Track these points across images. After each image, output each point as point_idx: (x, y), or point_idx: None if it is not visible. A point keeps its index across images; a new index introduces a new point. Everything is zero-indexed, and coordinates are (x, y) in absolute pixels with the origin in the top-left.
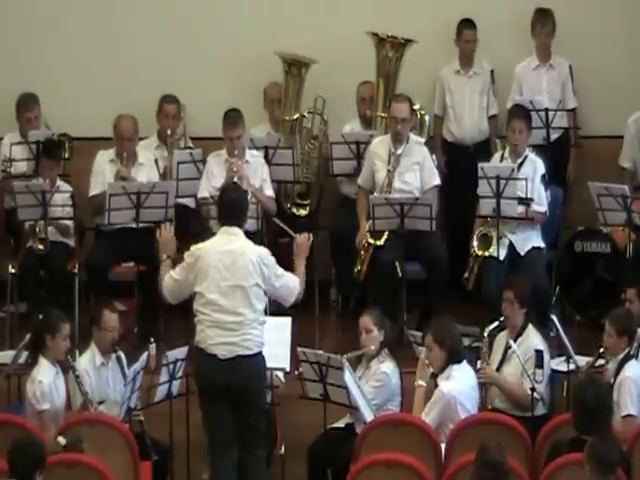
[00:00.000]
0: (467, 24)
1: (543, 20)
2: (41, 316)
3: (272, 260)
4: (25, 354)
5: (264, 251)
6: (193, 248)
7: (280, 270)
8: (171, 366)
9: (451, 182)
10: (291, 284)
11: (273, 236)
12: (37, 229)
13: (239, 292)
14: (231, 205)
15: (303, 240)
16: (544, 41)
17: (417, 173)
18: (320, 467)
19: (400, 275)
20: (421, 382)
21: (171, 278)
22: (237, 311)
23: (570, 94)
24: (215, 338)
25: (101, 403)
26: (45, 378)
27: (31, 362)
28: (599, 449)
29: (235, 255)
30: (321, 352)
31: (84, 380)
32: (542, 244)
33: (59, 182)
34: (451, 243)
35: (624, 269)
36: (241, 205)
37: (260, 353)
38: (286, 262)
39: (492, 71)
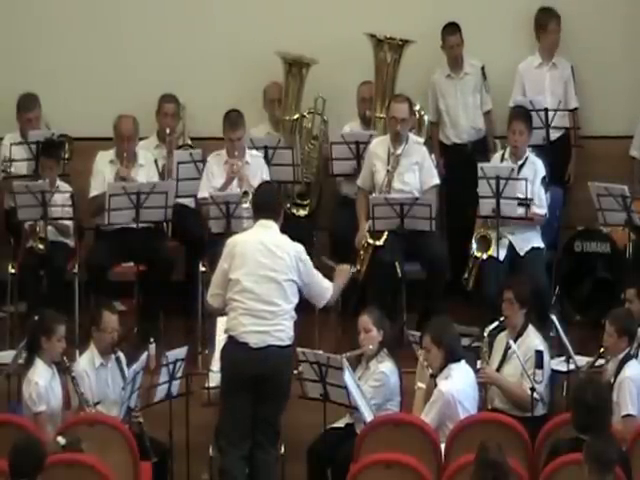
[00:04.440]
0: (449, 30)
1: (548, 19)
2: (36, 317)
3: (307, 257)
4: (24, 354)
5: (300, 247)
6: (229, 239)
7: (314, 269)
8: (171, 366)
9: (451, 183)
10: (325, 284)
11: None
12: (37, 229)
13: (273, 283)
14: (263, 199)
15: (345, 269)
16: (551, 40)
17: (416, 173)
18: (320, 467)
19: (400, 275)
20: (420, 384)
21: (212, 280)
22: (272, 300)
23: (572, 94)
24: (248, 326)
25: (97, 404)
26: (41, 380)
27: (27, 363)
28: (597, 448)
29: (272, 247)
30: (321, 352)
31: (82, 381)
32: (542, 244)
33: (59, 182)
34: (451, 244)
35: (624, 269)
36: (273, 198)
37: (290, 347)
38: None
39: (483, 67)
